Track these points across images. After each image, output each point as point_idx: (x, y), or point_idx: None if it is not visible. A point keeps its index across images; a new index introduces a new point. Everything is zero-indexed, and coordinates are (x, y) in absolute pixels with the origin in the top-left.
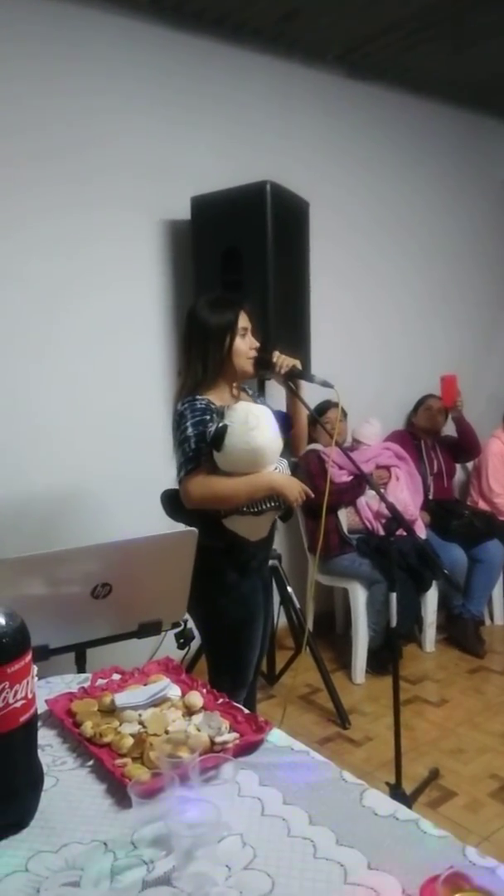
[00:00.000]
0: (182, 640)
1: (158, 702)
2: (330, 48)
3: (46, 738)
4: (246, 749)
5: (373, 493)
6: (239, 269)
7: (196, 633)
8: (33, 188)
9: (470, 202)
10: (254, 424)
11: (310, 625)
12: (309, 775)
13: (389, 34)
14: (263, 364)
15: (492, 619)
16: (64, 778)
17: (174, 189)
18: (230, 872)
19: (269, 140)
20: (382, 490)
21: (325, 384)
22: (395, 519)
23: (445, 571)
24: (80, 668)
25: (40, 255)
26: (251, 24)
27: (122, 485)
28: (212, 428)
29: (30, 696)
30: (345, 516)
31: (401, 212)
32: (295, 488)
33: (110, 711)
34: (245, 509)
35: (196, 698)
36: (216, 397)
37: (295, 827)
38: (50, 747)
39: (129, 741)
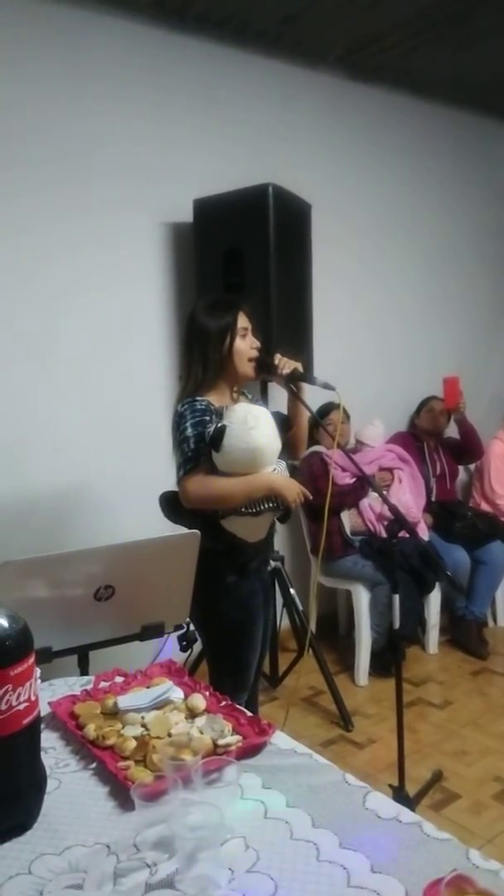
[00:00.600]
0: (185, 643)
1: (161, 704)
2: (331, 50)
3: (49, 740)
4: (249, 752)
5: (375, 495)
6: (241, 271)
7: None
8: (37, 191)
9: (472, 204)
10: (252, 425)
11: (312, 627)
12: (312, 778)
13: (391, 36)
14: (265, 366)
15: (495, 620)
16: (67, 780)
17: (176, 191)
18: (233, 875)
19: (271, 142)
20: (385, 492)
21: (327, 386)
22: (398, 521)
23: (448, 573)
24: (83, 671)
25: (44, 257)
26: (253, 26)
27: (124, 485)
28: (211, 428)
29: (33, 698)
30: (347, 518)
31: (403, 213)
32: (293, 489)
33: (113, 714)
34: (243, 510)
35: (199, 701)
36: (216, 399)
37: (298, 830)
38: (53, 750)
39: (132, 744)
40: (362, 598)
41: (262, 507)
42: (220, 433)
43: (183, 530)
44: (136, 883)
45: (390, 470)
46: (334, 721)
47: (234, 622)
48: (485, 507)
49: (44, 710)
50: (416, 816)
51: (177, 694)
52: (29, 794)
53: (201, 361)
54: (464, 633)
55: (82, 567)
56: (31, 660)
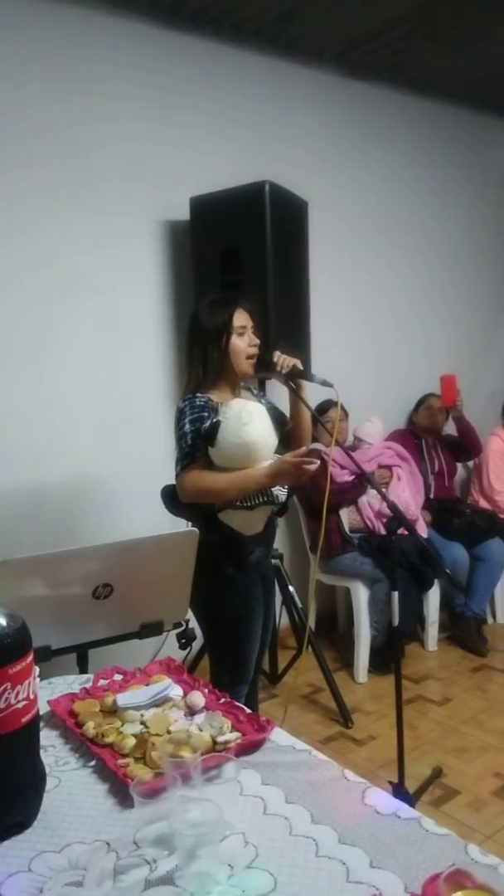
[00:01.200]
0: (184, 641)
1: (160, 702)
2: (328, 48)
3: (49, 738)
4: (248, 748)
5: (374, 492)
6: (238, 268)
7: (197, 632)
8: (34, 192)
9: (468, 201)
10: (246, 420)
11: (312, 624)
12: (311, 774)
13: (387, 33)
14: (264, 364)
15: (494, 617)
16: (66, 778)
17: (173, 190)
18: (232, 871)
19: (268, 140)
20: (384, 490)
21: (325, 383)
22: (397, 518)
23: (447, 570)
24: (82, 669)
25: (43, 258)
26: (249, 24)
27: (127, 480)
28: (207, 424)
29: (32, 696)
30: (346, 516)
31: (400, 210)
32: (287, 468)
33: (112, 712)
34: (238, 503)
35: (198, 698)
36: (218, 396)
37: (297, 826)
38: (52, 748)
39: (132, 741)
40: (361, 596)
41: (256, 501)
42: (214, 428)
43: (182, 527)
44: (136, 880)
45: (389, 467)
46: (334, 718)
47: (233, 614)
48: (483, 504)
49: (43, 708)
50: (415, 812)
51: (176, 691)
52: (28, 792)
53: (201, 359)
54: (463, 630)
55: (81, 565)
56: (30, 658)
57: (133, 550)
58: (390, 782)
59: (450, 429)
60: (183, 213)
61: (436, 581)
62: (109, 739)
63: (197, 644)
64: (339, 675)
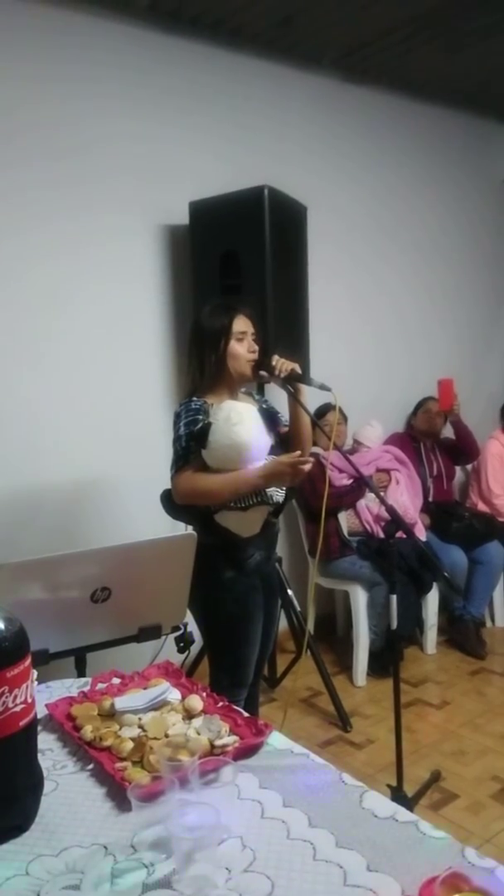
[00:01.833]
0: (182, 644)
1: (158, 705)
2: (326, 52)
3: (46, 742)
4: (246, 752)
5: (373, 495)
6: (237, 273)
7: (195, 636)
8: (32, 192)
9: (468, 204)
10: (236, 420)
11: (310, 627)
12: (309, 778)
13: (385, 38)
14: (263, 367)
15: (493, 620)
16: (64, 782)
17: (172, 193)
18: (230, 875)
19: (267, 144)
20: (382, 493)
21: (323, 387)
22: (396, 521)
23: (445, 574)
24: (80, 673)
25: (39, 258)
26: (248, 29)
27: (122, 484)
28: (199, 426)
29: (29, 700)
30: (345, 519)
31: (399, 214)
32: (282, 469)
33: (110, 715)
34: (232, 505)
35: (196, 702)
36: (215, 400)
37: (295, 829)
38: (50, 751)
39: (129, 745)
40: (360, 599)
41: (250, 502)
42: (205, 430)
43: (181, 529)
44: (134, 883)
45: (387, 471)
46: (332, 722)
47: (231, 617)
48: (482, 507)
49: (41, 711)
50: (413, 815)
51: (174, 695)
52: (26, 796)
53: (199, 363)
54: (462, 634)
55: (79, 569)
56: (28, 661)
57: (131, 554)
58: (389, 786)
59: (448, 432)
60: (182, 217)
61: (434, 584)
62: (107, 743)
63: (195, 648)
64: (338, 679)
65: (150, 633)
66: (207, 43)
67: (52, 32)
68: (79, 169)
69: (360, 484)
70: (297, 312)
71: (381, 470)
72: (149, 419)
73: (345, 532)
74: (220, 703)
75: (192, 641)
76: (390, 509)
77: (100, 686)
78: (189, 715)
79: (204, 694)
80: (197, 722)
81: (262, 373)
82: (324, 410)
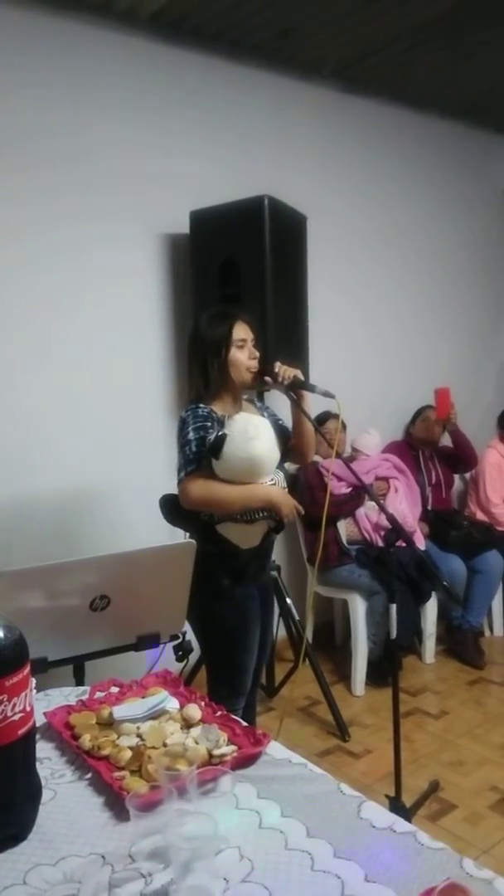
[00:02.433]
0: (180, 653)
1: (156, 714)
2: (326, 63)
3: (45, 750)
4: (244, 762)
5: (371, 504)
6: (237, 282)
7: (194, 644)
8: (34, 200)
9: (468, 214)
10: (252, 435)
11: (309, 636)
12: (306, 788)
13: (386, 49)
14: (266, 375)
15: (491, 630)
16: (62, 791)
17: (173, 203)
18: (228, 885)
19: (267, 154)
20: (381, 501)
21: (327, 394)
22: (395, 530)
23: (445, 582)
24: (79, 681)
25: (40, 266)
26: (249, 40)
27: (119, 492)
28: (212, 435)
29: (28, 708)
30: (344, 527)
31: (398, 224)
32: (289, 505)
33: (108, 724)
34: (238, 517)
35: (194, 711)
36: (219, 407)
37: (292, 839)
38: (48, 760)
39: (128, 754)
40: (359, 608)
41: (256, 516)
42: (221, 442)
43: (180, 538)
44: (131, 893)
45: (386, 479)
46: (331, 731)
47: (230, 626)
48: (480, 516)
49: (39, 720)
50: (411, 826)
51: (172, 704)
52: (24, 805)
53: (201, 371)
54: (460, 643)
55: (77, 577)
56: (27, 670)
57: (130, 562)
58: (387, 796)
59: (447, 440)
60: (183, 226)
61: (433, 593)
62: (105, 752)
63: (193, 656)
64: (337, 688)
65: (148, 641)
66: (209, 54)
67: (56, 42)
68: (80, 177)
69: (360, 492)
70: (297, 321)
71: (379, 478)
72: (147, 427)
73: (344, 540)
74: (219, 713)
75: (191, 650)
76: (390, 518)
77: (98, 695)
78: (187, 724)
79: (202, 703)
80: (195, 731)
81: (266, 379)
82: (323, 418)
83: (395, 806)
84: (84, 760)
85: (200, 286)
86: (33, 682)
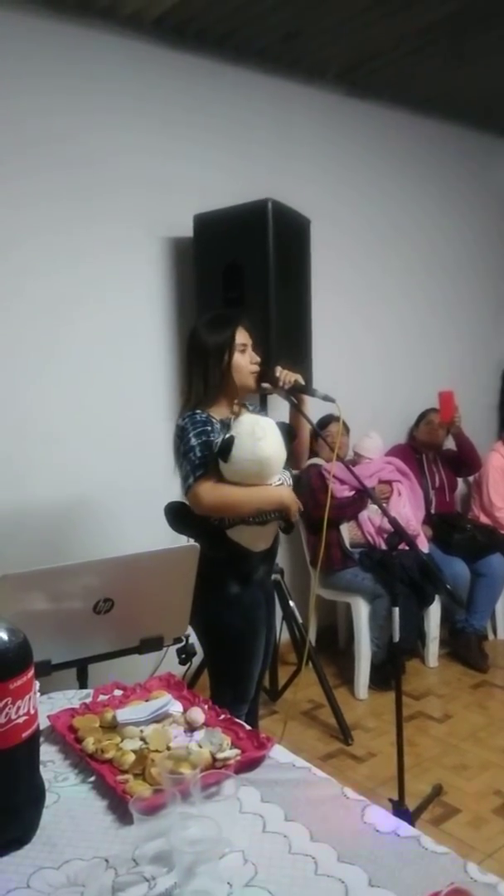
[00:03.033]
0: (184, 656)
1: (160, 718)
2: (330, 67)
3: (48, 754)
4: (247, 765)
5: (374, 507)
6: (240, 285)
7: (198, 647)
8: (37, 204)
9: (471, 218)
10: (260, 436)
11: (312, 639)
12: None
13: (389, 53)
14: (266, 379)
15: (495, 633)
16: (65, 794)
17: (177, 206)
18: (231, 889)
19: (271, 158)
20: (384, 505)
21: (327, 398)
22: (398, 533)
23: (448, 586)
24: (82, 684)
25: (43, 269)
26: (252, 44)
27: (123, 497)
28: (217, 439)
29: (32, 711)
30: (346, 531)
31: (402, 228)
32: (293, 505)
33: (112, 727)
34: (251, 519)
35: (198, 714)
36: (217, 413)
37: (296, 843)
38: (52, 763)
39: (131, 757)
40: (362, 611)
41: (269, 517)
42: (229, 444)
43: (182, 543)
44: None
45: (389, 482)
46: (334, 735)
47: (236, 632)
48: (484, 519)
49: (43, 723)
50: (415, 830)
51: (175, 707)
52: (27, 808)
53: (202, 377)
54: (464, 647)
55: (81, 580)
56: (31, 673)
57: (134, 565)
58: (390, 800)
59: (451, 443)
60: (186, 230)
61: (436, 597)
62: (109, 755)
63: (196, 660)
64: (340, 692)
65: (151, 644)
66: (212, 58)
67: (60, 46)
68: (84, 181)
69: (362, 495)
70: (300, 324)
71: (383, 481)
72: (149, 431)
73: (347, 544)
74: (222, 716)
75: (194, 653)
76: (393, 521)
77: (101, 698)
78: (191, 727)
79: (206, 706)
80: (198, 735)
81: (266, 384)
82: (326, 422)
83: (399, 810)
84: (87, 763)
85: (204, 290)
86: (37, 685)
